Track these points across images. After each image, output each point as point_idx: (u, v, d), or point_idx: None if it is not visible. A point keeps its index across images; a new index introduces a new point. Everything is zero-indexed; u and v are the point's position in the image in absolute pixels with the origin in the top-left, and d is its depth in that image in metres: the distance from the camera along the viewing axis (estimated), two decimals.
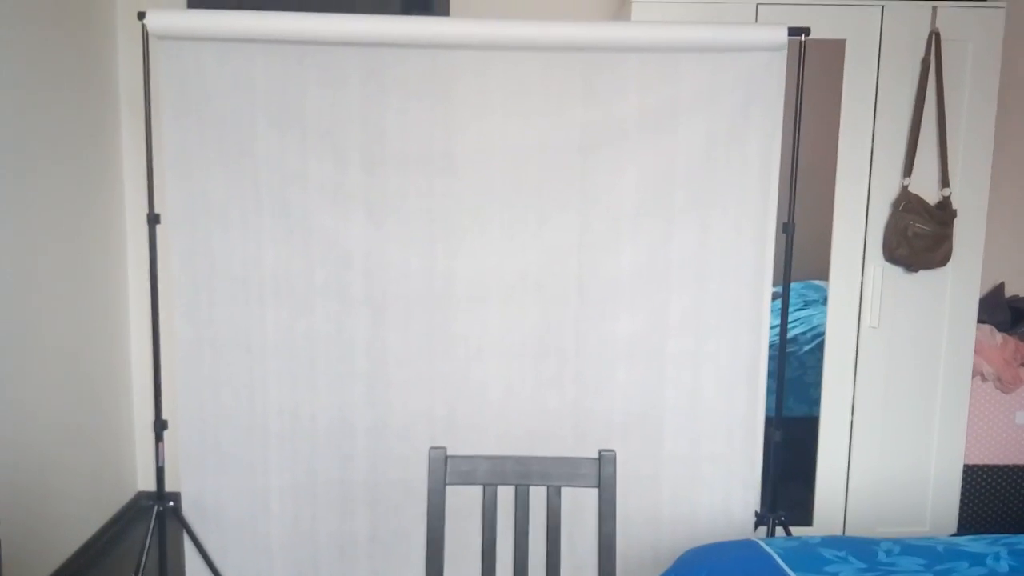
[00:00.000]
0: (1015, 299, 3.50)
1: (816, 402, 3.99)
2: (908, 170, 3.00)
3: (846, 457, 3.16)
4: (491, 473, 1.65)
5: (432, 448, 1.66)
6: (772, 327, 2.63)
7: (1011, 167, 3.53)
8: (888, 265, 3.05)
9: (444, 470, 1.65)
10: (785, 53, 2.45)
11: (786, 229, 2.52)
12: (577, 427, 2.61)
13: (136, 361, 3.55)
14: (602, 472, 1.64)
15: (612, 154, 2.48)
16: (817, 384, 3.94)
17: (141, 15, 2.35)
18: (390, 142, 2.48)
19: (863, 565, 1.96)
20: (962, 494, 3.32)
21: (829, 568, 1.93)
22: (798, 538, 2.12)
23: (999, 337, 3.30)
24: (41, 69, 2.84)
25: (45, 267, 2.87)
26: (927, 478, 3.17)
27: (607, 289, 2.55)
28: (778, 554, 2.00)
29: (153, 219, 2.48)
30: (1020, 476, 3.37)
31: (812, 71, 2.74)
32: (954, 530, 3.20)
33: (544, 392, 2.60)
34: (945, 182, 3.00)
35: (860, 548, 2.05)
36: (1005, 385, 3.29)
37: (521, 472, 1.65)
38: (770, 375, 2.75)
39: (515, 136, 2.48)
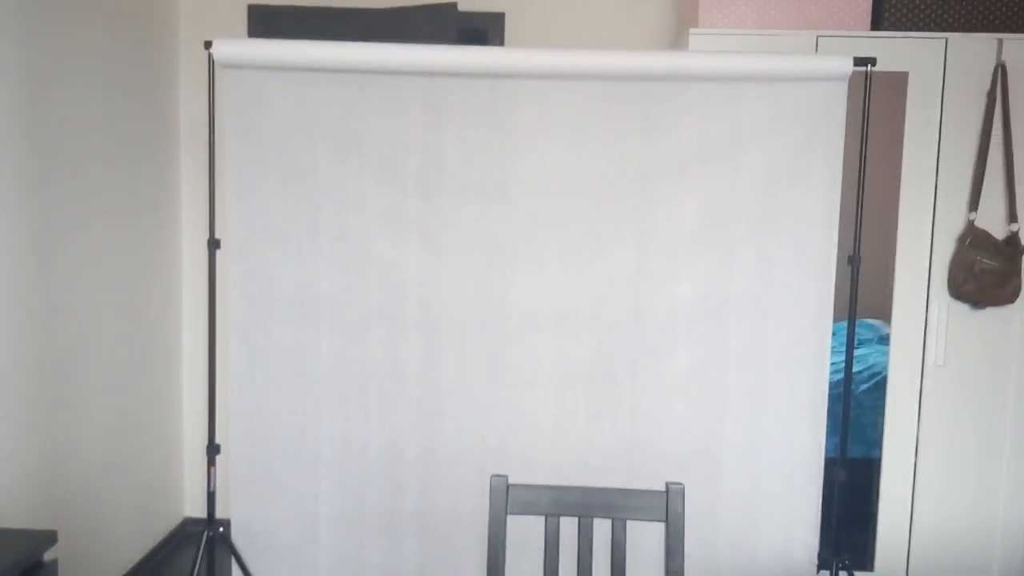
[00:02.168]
0: None
1: (873, 443, 3.87)
2: (974, 204, 2.92)
3: (909, 500, 3.05)
4: (554, 503, 1.61)
5: (494, 476, 1.62)
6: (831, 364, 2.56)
7: None
8: (954, 302, 2.96)
9: (505, 499, 1.61)
10: (846, 84, 2.41)
11: (851, 262, 2.46)
12: (631, 461, 2.55)
13: (187, 385, 3.57)
14: (669, 506, 1.59)
15: (670, 184, 2.45)
16: (874, 425, 3.83)
17: (208, 44, 2.39)
18: (448, 170, 2.48)
19: None
20: None
21: None
22: None
23: None
24: (104, 93, 2.91)
25: (100, 288, 2.91)
26: (995, 524, 3.04)
27: (664, 320, 2.50)
28: None
29: (213, 244, 2.50)
30: None
31: (874, 104, 2.70)
32: None
33: (598, 424, 2.55)
34: (1013, 217, 2.91)
35: None
36: None
37: (585, 504, 1.60)
38: (828, 414, 2.66)
39: (571, 165, 2.46)
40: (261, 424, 2.59)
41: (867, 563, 3.08)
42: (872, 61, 2.37)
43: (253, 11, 3.45)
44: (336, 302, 2.54)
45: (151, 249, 3.25)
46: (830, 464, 2.61)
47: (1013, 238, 2.91)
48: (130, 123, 3.07)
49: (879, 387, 3.89)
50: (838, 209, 2.46)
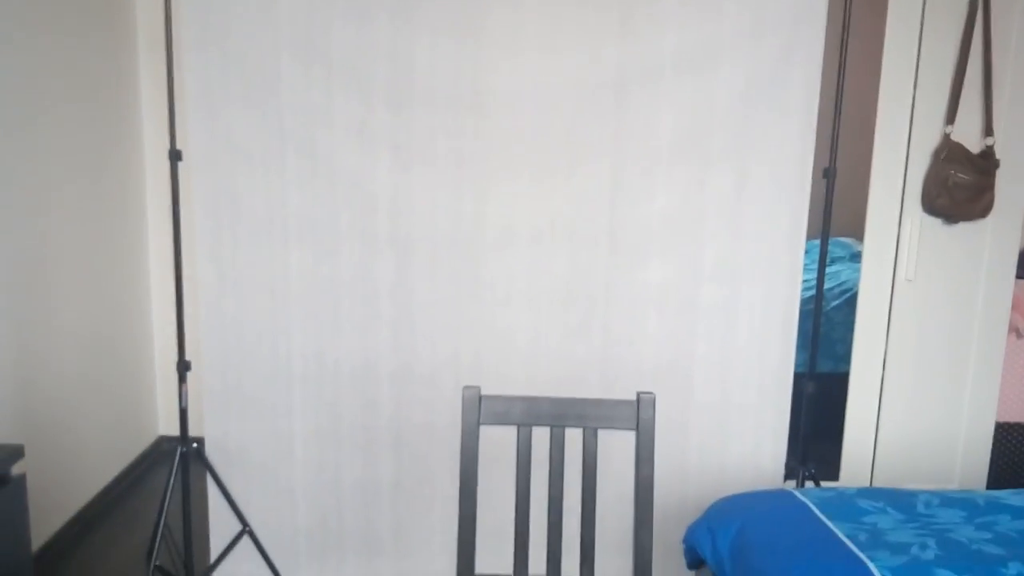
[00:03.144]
0: None
1: (842, 358, 3.93)
2: (951, 118, 2.90)
3: (875, 413, 3.11)
4: (526, 414, 1.61)
5: (466, 388, 1.61)
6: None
7: None
8: (926, 217, 2.97)
9: (478, 410, 1.61)
10: None
11: (827, 174, 2.43)
12: (605, 375, 2.57)
13: (156, 303, 3.52)
14: (640, 415, 1.59)
15: (648, 95, 2.39)
16: (843, 340, 3.88)
17: None
18: (418, 80, 2.40)
19: (902, 516, 1.92)
20: (993, 451, 3.27)
21: (867, 519, 1.89)
22: (834, 488, 2.08)
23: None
24: (52, 6, 2.77)
25: (61, 205, 2.83)
26: (958, 435, 3.11)
27: (639, 236, 2.48)
28: (814, 504, 1.96)
29: (175, 155, 2.41)
30: None
31: (854, 13, 2.64)
32: (983, 487, 3.16)
33: (572, 339, 2.55)
34: (989, 131, 2.90)
35: (898, 499, 2.00)
36: None
37: (557, 413, 1.60)
38: (799, 331, 2.68)
39: (548, 75, 2.40)
40: (232, 341, 2.56)
41: (833, 473, 3.16)
42: None
43: None
44: (305, 217, 2.49)
45: (113, 163, 3.15)
46: (800, 379, 2.64)
47: (988, 152, 2.90)
48: (85, 33, 2.94)
49: (850, 303, 3.93)
50: (815, 122, 2.43)
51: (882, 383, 3.09)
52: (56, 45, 2.76)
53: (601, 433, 2.56)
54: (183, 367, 2.51)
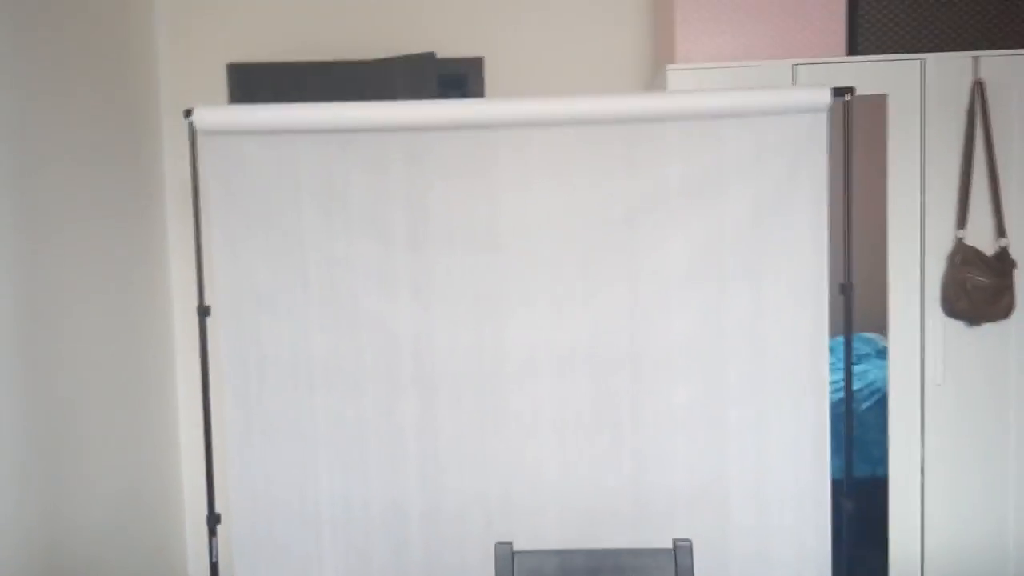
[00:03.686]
0: None
1: (878, 461, 3.85)
2: (962, 222, 2.92)
3: (919, 520, 3.02)
4: (561, 569, 1.59)
5: (498, 544, 1.60)
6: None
7: None
8: (949, 320, 2.96)
9: (511, 567, 1.59)
10: (826, 115, 2.42)
11: (843, 291, 2.45)
12: (638, 503, 2.53)
13: (186, 454, 3.54)
14: (679, 563, 1.57)
15: (658, 222, 2.45)
16: (878, 443, 3.81)
17: (187, 112, 2.39)
18: (434, 221, 2.47)
19: None
20: None
21: None
22: None
23: None
24: (89, 163, 2.91)
25: (95, 360, 2.89)
26: (1006, 538, 3.01)
27: (661, 358, 2.49)
28: None
29: (203, 311, 2.48)
30: None
31: (855, 127, 2.71)
32: None
33: (602, 468, 2.52)
34: (1001, 232, 2.92)
35: None
36: None
37: (592, 567, 1.58)
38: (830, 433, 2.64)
39: (558, 209, 2.46)
40: (261, 489, 2.56)
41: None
42: (850, 91, 2.38)
43: (232, 70, 3.46)
44: (329, 361, 2.52)
45: (143, 318, 3.23)
46: (836, 485, 2.58)
47: (1003, 253, 2.91)
48: (115, 191, 3.07)
49: (880, 404, 3.88)
50: (826, 237, 2.46)
51: (922, 489, 3.02)
52: (89, 205, 2.87)
53: None
54: (213, 520, 2.50)
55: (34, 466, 2.53)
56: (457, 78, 3.49)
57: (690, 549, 1.55)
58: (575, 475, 2.53)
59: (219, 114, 2.40)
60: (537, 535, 2.55)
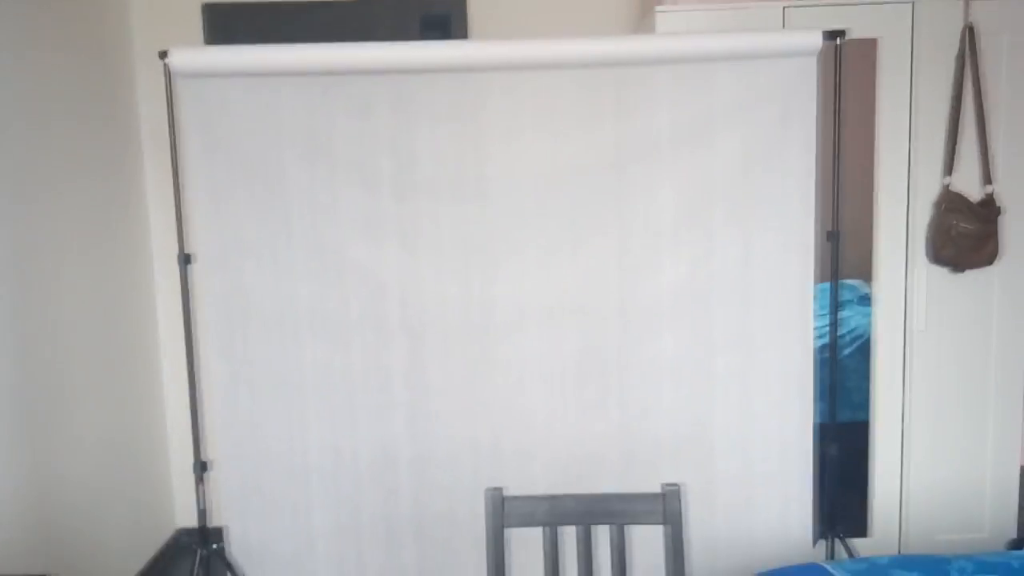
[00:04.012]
0: None
1: (859, 407, 3.90)
2: (948, 168, 2.91)
3: (899, 464, 3.07)
4: (551, 514, 1.59)
5: (488, 490, 1.60)
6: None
7: None
8: (933, 267, 2.97)
9: (502, 512, 1.59)
10: (816, 59, 2.39)
11: (831, 237, 2.45)
12: (625, 450, 2.55)
13: (170, 402, 3.52)
14: (667, 508, 1.58)
15: (647, 170, 2.42)
16: (859, 389, 3.85)
17: (163, 54, 2.32)
18: (421, 169, 2.44)
19: None
20: (1020, 496, 3.22)
21: None
22: (866, 559, 2.04)
23: None
24: (62, 112, 2.83)
25: (72, 311, 2.85)
26: (983, 482, 3.07)
27: (649, 308, 2.48)
28: None
29: (184, 259, 2.44)
30: None
31: (844, 71, 2.68)
32: (1013, 535, 3.10)
33: (589, 416, 2.54)
34: (988, 179, 2.91)
35: (932, 568, 1.97)
36: None
37: (583, 511, 1.59)
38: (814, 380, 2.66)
39: (547, 156, 2.43)
40: (248, 438, 2.56)
41: (861, 528, 3.11)
42: (841, 34, 2.34)
43: (208, 11, 3.35)
44: (316, 310, 2.50)
45: (123, 267, 3.18)
46: (823, 430, 2.61)
47: (989, 200, 2.91)
48: (89, 139, 2.99)
49: (862, 350, 3.91)
50: (814, 184, 2.45)
51: (903, 434, 3.06)
52: (61, 152, 2.80)
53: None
54: (200, 468, 2.50)
55: (20, 417, 2.50)
56: (440, 19, 3.40)
57: (678, 493, 1.56)
58: (563, 423, 2.55)
59: (197, 56, 2.33)
60: (526, 481, 2.57)
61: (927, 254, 2.98)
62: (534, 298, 2.49)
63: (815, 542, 2.58)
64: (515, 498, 1.59)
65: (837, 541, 2.57)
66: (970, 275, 2.97)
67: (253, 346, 2.52)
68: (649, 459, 2.55)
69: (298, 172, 2.43)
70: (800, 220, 2.45)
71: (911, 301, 3.00)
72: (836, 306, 2.46)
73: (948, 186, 2.91)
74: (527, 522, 1.59)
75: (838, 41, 2.35)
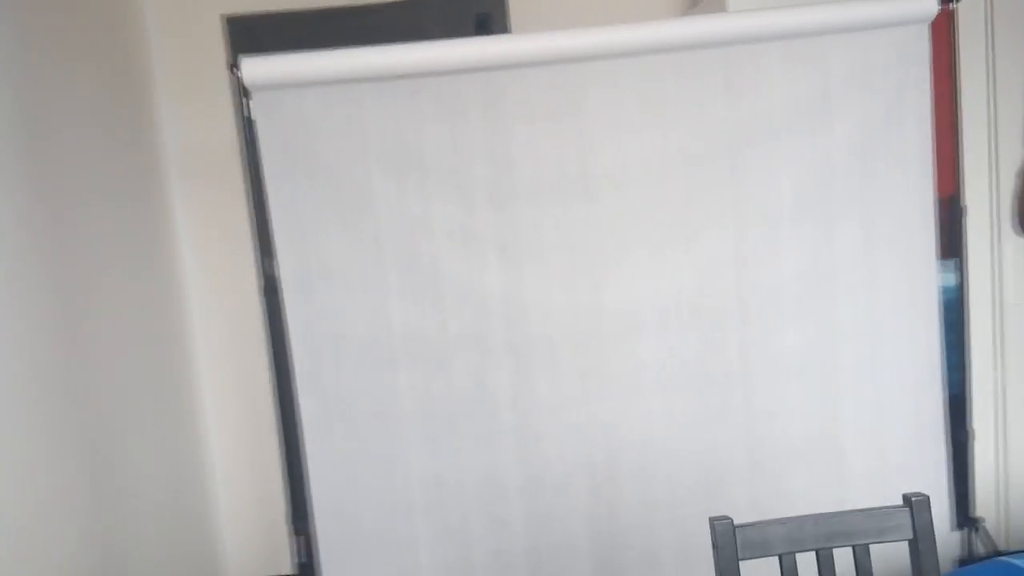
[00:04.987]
0: None
1: (952, 383, 3.79)
2: None
3: (1000, 440, 2.97)
4: (788, 540, 1.42)
5: (715, 520, 1.42)
6: None
7: None
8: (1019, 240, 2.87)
9: (735, 544, 1.42)
10: (928, 26, 2.26)
11: (954, 211, 2.32)
12: (751, 457, 2.39)
13: (218, 446, 3.25)
14: (917, 521, 1.42)
15: (763, 155, 2.27)
16: (951, 365, 3.75)
17: (233, 65, 2.10)
18: (519, 172, 2.25)
19: None
20: None
21: None
22: None
23: None
24: (84, 137, 2.57)
25: (115, 351, 2.59)
26: None
27: (770, 303, 2.33)
28: None
29: (269, 288, 2.21)
30: None
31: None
32: None
33: (713, 424, 2.37)
34: None
35: None
36: None
37: (824, 534, 1.42)
38: None
39: (654, 148, 2.26)
40: (343, 477, 2.33)
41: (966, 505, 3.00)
42: None
43: (231, 23, 3.11)
44: (412, 333, 2.29)
45: (153, 309, 2.91)
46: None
47: None
48: (107, 168, 2.71)
49: (952, 327, 3.82)
50: (931, 160, 2.32)
51: (1002, 409, 2.96)
52: (83, 183, 2.54)
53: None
54: (295, 518, 2.27)
55: (87, 493, 2.24)
56: (479, 19, 3.21)
57: (927, 503, 1.40)
58: (683, 434, 2.38)
59: (271, 65, 2.12)
60: (646, 499, 2.40)
61: (1012, 225, 2.88)
62: (647, 301, 2.32)
63: (953, 529, 2.46)
64: (747, 526, 1.41)
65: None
66: None
67: (343, 377, 2.30)
68: (778, 463, 2.39)
69: (385, 185, 2.22)
70: (921, 196, 2.32)
71: (1002, 274, 2.90)
72: (963, 283, 2.34)
73: None
74: (762, 551, 1.41)
75: (952, 6, 2.23)
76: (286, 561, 3.07)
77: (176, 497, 2.79)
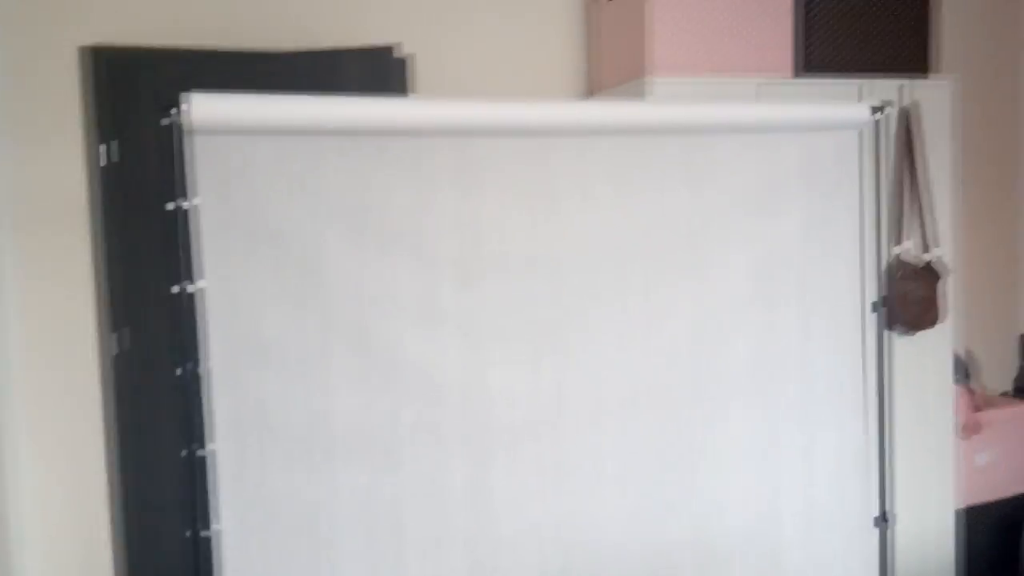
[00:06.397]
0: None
1: None
2: (897, 239, 3.09)
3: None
4: None
5: None
6: None
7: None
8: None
9: None
10: (858, 132, 2.41)
11: (875, 308, 2.45)
12: (697, 553, 2.30)
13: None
14: None
15: (719, 241, 2.26)
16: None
17: (169, 106, 1.73)
18: (487, 247, 2.05)
19: None
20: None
21: None
22: None
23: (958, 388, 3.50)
24: None
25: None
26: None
27: (724, 389, 2.30)
28: None
29: (188, 369, 1.81)
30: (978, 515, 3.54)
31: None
32: None
33: (666, 518, 2.26)
34: (927, 247, 3.13)
35: None
36: (966, 432, 3.49)
37: None
38: None
39: (621, 226, 2.17)
40: None
41: None
42: (889, 104, 2.39)
43: (92, 57, 2.64)
44: (357, 426, 1.98)
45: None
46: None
47: (929, 265, 3.13)
48: None
49: None
50: (858, 255, 2.44)
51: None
52: None
53: None
54: None
55: None
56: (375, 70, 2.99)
57: None
58: (639, 529, 2.25)
59: (218, 104, 1.78)
60: None
61: (888, 322, 3.11)
62: (610, 387, 2.19)
63: None
64: None
65: None
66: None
67: (270, 480, 1.93)
68: (721, 560, 2.32)
69: (340, 254, 1.92)
70: (851, 289, 2.43)
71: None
72: (883, 375, 2.46)
73: (899, 255, 3.08)
74: None
75: (880, 115, 2.39)
76: None
77: None
